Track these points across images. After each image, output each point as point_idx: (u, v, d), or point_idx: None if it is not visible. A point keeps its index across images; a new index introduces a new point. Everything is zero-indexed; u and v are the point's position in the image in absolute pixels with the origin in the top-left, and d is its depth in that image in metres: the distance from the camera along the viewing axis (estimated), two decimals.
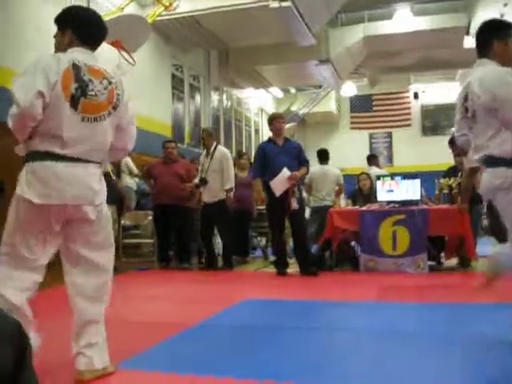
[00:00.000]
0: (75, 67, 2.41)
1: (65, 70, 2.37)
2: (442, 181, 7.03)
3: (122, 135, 2.65)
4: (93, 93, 2.44)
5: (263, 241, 8.92)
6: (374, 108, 16.71)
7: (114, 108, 2.54)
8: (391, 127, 16.51)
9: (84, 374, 2.47)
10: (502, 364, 2.76)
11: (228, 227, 7.30)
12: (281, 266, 6.59)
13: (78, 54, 2.48)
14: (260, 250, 9.01)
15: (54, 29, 2.60)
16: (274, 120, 6.64)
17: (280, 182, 6.32)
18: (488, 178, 2.86)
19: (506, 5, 11.15)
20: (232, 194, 7.24)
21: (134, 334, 3.51)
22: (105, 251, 2.59)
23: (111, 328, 2.67)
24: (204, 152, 7.44)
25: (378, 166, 9.03)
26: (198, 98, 13.53)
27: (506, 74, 2.81)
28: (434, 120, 16.30)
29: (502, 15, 10.94)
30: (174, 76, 12.24)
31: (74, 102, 2.38)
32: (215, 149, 7.27)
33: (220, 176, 7.13)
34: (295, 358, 2.86)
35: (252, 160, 7.95)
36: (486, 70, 2.88)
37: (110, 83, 2.53)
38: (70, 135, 2.38)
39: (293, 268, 6.66)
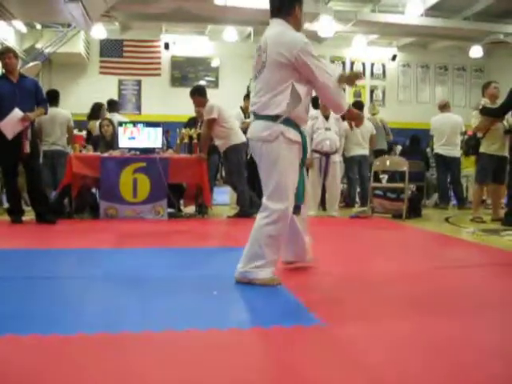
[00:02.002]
0: None
1: None
2: (183, 131, 7.24)
3: None
4: None
5: None
6: (125, 54, 16.35)
7: None
8: (141, 75, 16.40)
9: None
10: (234, 299, 3.05)
11: None
12: (16, 213, 6.20)
13: None
14: None
15: None
16: (3, 55, 6.07)
17: (11, 123, 5.84)
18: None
19: None
20: None
21: None
22: None
23: None
24: None
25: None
26: None
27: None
28: (183, 72, 16.63)
29: None
30: None
31: None
32: None
33: None
34: (28, 309, 2.73)
35: None
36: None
37: None
38: None
39: (30, 216, 6.32)
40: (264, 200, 3.25)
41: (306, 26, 14.01)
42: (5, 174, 6.29)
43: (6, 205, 6.80)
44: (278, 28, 3.25)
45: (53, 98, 7.58)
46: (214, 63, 16.75)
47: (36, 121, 6.52)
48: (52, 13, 13.68)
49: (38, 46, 15.30)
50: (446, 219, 7.29)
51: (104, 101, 8.57)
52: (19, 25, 15.02)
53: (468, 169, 9.23)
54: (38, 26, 15.80)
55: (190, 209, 7.36)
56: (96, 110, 8.24)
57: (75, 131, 8.70)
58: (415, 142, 9.40)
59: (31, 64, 13.13)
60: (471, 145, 7.20)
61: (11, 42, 15.47)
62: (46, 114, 6.41)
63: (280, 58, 3.12)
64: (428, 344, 2.29)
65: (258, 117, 3.26)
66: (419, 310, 2.82)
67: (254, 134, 3.28)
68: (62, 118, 7.71)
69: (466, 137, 8.53)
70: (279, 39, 3.18)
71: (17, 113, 5.84)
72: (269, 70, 3.16)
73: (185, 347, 2.23)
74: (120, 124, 7.04)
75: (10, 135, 5.84)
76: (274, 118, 3.17)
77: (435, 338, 2.37)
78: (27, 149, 5.97)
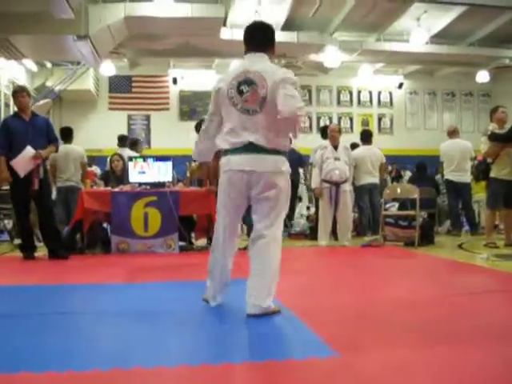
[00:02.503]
0: None
1: None
2: (193, 164, 7.29)
3: None
4: None
5: (10, 223, 8.31)
6: (134, 90, 16.60)
7: None
8: (150, 110, 16.61)
9: None
10: (246, 331, 3.03)
11: None
12: (28, 249, 6.23)
13: None
14: (6, 233, 8.38)
15: None
16: (16, 94, 6.23)
17: (23, 161, 5.92)
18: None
19: (260, 2, 11.85)
20: None
21: None
22: None
23: None
24: None
25: (128, 147, 8.97)
26: None
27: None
28: (191, 105, 16.82)
29: (256, 11, 11.60)
30: None
31: None
32: None
33: None
34: (42, 346, 2.71)
35: None
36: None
37: None
38: None
39: (42, 251, 6.35)
40: (265, 229, 3.31)
41: (313, 57, 14.22)
42: (17, 210, 6.33)
43: (18, 241, 6.84)
44: (267, 63, 3.33)
45: (67, 135, 7.72)
46: None
47: (50, 157, 6.61)
48: (62, 51, 13.94)
49: (49, 83, 15.54)
50: (459, 245, 7.24)
51: (114, 136, 8.68)
52: (30, 63, 15.29)
53: (479, 194, 9.19)
54: (48, 65, 16.07)
55: (202, 241, 7.35)
56: (132, 145, 8.44)
57: None
58: (422, 168, 9.39)
59: (42, 102, 13.33)
60: (481, 170, 7.19)
61: (22, 80, 15.74)
62: (56, 151, 6.50)
63: None
64: (440, 371, 2.26)
65: (266, 151, 3.22)
66: (431, 339, 2.78)
67: (270, 167, 3.24)
68: (76, 154, 7.83)
69: (475, 162, 8.52)
70: (277, 75, 3.20)
71: (29, 150, 5.92)
72: (271, 105, 3.16)
73: (199, 383, 2.21)
74: (130, 159, 7.11)
75: (22, 173, 5.91)
76: (282, 154, 3.30)
77: (446, 366, 2.34)
78: (36, 185, 6.03)
